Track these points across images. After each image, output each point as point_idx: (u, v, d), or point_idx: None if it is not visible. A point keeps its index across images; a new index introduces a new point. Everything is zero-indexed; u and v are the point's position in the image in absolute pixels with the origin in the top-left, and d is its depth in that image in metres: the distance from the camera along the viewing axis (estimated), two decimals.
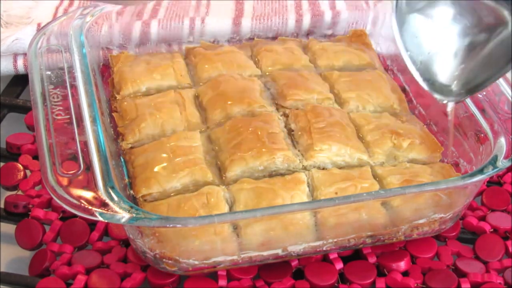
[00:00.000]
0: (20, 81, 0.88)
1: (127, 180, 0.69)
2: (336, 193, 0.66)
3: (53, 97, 0.68)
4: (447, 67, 0.68)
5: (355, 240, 0.67)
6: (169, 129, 0.72)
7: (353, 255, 0.70)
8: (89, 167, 0.61)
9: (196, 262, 0.64)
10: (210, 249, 0.63)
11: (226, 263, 0.65)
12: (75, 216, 0.70)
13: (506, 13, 0.63)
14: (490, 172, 0.64)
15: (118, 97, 0.78)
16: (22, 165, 0.76)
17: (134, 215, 0.57)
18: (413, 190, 0.64)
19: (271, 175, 0.69)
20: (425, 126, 0.77)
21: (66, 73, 0.71)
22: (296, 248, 0.66)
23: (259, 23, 0.89)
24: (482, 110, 0.71)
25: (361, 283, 0.66)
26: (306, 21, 0.89)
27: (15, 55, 0.86)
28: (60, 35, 0.76)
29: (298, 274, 0.67)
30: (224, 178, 0.68)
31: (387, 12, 0.88)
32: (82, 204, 0.58)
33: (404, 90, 0.83)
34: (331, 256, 0.68)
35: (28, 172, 0.76)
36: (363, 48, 0.87)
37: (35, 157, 0.77)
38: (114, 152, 0.70)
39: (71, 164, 0.62)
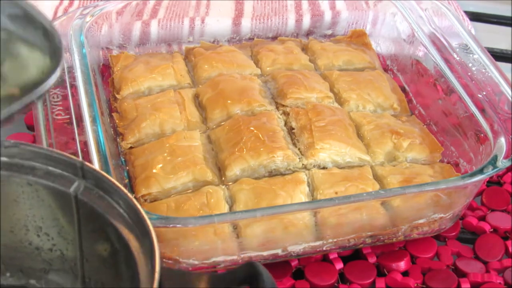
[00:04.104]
0: None
1: (127, 180, 0.69)
2: (336, 193, 0.66)
3: (53, 97, 0.68)
4: None
5: (355, 240, 0.67)
6: (169, 129, 0.72)
7: (353, 255, 0.70)
8: None
9: (196, 262, 0.64)
10: (210, 249, 0.63)
11: (226, 263, 0.65)
12: None
13: None
14: (490, 172, 0.63)
15: (118, 97, 0.78)
16: None
17: None
18: (413, 190, 0.64)
19: (271, 174, 0.69)
20: (425, 126, 0.77)
21: (66, 73, 0.71)
22: (296, 248, 0.66)
23: (259, 23, 0.89)
24: (482, 110, 0.71)
25: (361, 283, 0.66)
26: (306, 21, 0.89)
27: None
28: (60, 35, 0.75)
29: (298, 274, 0.67)
30: (224, 177, 0.68)
31: (387, 12, 0.88)
32: None
33: (404, 90, 0.83)
34: (331, 256, 0.68)
35: None
36: (363, 48, 0.87)
37: None
38: (114, 152, 0.70)
39: None
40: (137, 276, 0.43)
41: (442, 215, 0.68)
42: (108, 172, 0.61)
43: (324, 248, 0.67)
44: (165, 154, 0.68)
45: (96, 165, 0.61)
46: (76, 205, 0.48)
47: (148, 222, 0.44)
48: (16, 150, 0.49)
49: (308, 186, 0.67)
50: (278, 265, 0.67)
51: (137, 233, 0.45)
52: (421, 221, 0.68)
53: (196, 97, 0.78)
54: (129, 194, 0.46)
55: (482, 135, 0.70)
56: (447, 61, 0.77)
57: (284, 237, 0.64)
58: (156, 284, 0.41)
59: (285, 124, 0.74)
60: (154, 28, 0.86)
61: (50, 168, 0.49)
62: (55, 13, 0.93)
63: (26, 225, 0.51)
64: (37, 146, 0.49)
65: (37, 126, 0.65)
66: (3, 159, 0.49)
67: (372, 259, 0.69)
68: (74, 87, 0.69)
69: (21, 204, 0.50)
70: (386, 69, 0.87)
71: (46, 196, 0.49)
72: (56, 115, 0.66)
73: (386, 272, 0.68)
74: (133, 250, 0.44)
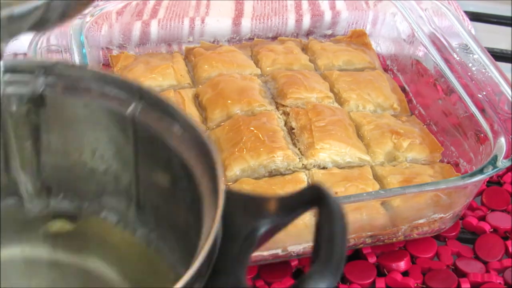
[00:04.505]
0: None
1: None
2: (336, 193, 0.66)
3: None
4: None
5: (355, 240, 0.67)
6: None
7: (353, 255, 0.69)
8: None
9: None
10: None
11: None
12: None
13: None
14: (490, 172, 0.63)
15: None
16: None
17: None
18: (413, 190, 0.64)
19: (271, 174, 0.69)
20: (425, 126, 0.77)
21: None
22: (296, 248, 0.66)
23: (259, 23, 0.89)
24: (482, 110, 0.71)
25: (361, 283, 0.66)
26: (306, 21, 0.89)
27: (15, 55, 0.86)
28: (60, 35, 0.76)
29: (298, 274, 0.67)
30: (224, 178, 0.68)
31: (387, 12, 0.88)
32: None
33: (404, 90, 0.83)
34: None
35: None
36: (363, 48, 0.87)
37: None
38: None
39: None
40: (197, 197, 0.40)
41: (442, 215, 0.68)
42: None
43: None
44: None
45: None
46: (133, 126, 0.45)
47: (209, 141, 0.41)
48: (70, 70, 0.46)
49: None
50: (278, 265, 0.67)
51: (197, 154, 0.42)
52: (421, 221, 0.68)
53: (196, 97, 0.78)
54: (188, 115, 0.44)
55: (482, 135, 0.70)
56: (447, 61, 0.77)
57: (284, 237, 0.64)
58: (221, 204, 0.38)
59: (285, 124, 0.74)
60: (154, 28, 0.86)
61: (106, 89, 0.46)
62: None
63: (81, 147, 0.48)
64: (92, 68, 0.47)
65: None
66: (57, 79, 0.46)
67: (372, 259, 0.69)
68: None
69: (75, 125, 0.47)
70: (386, 69, 0.87)
71: (102, 117, 0.46)
72: None
73: (386, 272, 0.68)
74: (193, 171, 0.42)
